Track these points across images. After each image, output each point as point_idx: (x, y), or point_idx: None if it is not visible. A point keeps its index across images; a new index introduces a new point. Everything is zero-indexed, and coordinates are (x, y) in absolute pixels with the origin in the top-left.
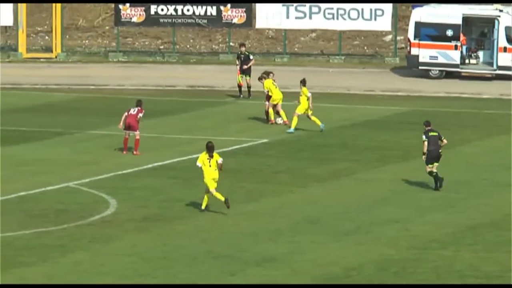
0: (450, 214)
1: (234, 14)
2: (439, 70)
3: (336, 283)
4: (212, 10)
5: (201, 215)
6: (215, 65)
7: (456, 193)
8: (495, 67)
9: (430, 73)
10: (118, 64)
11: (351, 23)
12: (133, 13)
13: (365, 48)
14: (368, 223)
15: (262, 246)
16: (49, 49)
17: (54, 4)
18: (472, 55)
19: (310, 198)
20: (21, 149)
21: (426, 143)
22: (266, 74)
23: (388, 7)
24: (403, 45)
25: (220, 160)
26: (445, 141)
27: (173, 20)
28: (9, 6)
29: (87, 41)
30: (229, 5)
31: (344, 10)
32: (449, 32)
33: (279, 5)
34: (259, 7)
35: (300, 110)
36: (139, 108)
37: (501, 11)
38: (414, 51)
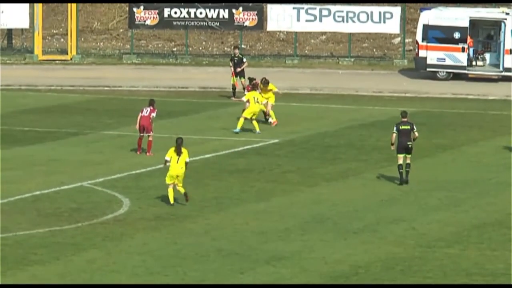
0: (456, 213)
1: (245, 17)
2: (447, 72)
3: (344, 281)
4: (224, 13)
5: (212, 214)
6: (226, 67)
7: (461, 193)
8: (501, 69)
9: (438, 75)
10: (131, 66)
11: (361, 25)
12: (147, 16)
13: (374, 50)
14: (376, 222)
15: (271, 245)
16: (64, 51)
17: (69, 7)
18: (479, 57)
19: (318, 197)
20: (36, 149)
21: (394, 135)
22: (265, 83)
23: (396, 10)
24: (411, 48)
25: (187, 159)
26: (416, 134)
27: (186, 22)
28: (25, 9)
29: (101, 44)
30: (241, 8)
31: (354, 13)
32: (457, 35)
33: (290, 8)
34: (270, 10)
35: (248, 114)
36: (152, 107)
37: (507, 14)
38: (422, 53)
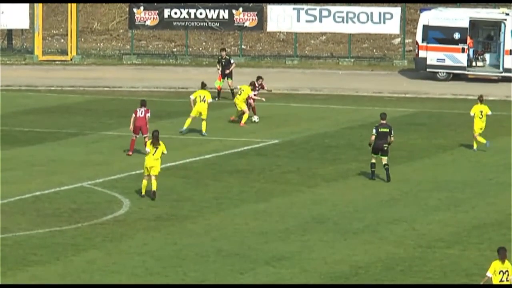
0: (456, 213)
1: (245, 18)
2: (446, 73)
3: (344, 281)
4: (224, 14)
5: (212, 215)
6: None
7: (461, 193)
8: (501, 69)
9: (438, 75)
10: (132, 66)
11: (361, 26)
12: (147, 17)
13: (374, 50)
14: (376, 222)
15: (271, 245)
16: (64, 52)
17: (69, 8)
18: (479, 57)
19: (319, 198)
20: (36, 149)
21: (373, 137)
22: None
23: (396, 11)
24: (411, 48)
25: (165, 152)
26: (392, 138)
27: (186, 23)
28: (26, 9)
29: (101, 44)
30: (241, 9)
31: (354, 13)
32: (456, 35)
33: (290, 8)
34: (270, 11)
35: (194, 113)
36: (146, 108)
37: (507, 14)
38: (422, 53)
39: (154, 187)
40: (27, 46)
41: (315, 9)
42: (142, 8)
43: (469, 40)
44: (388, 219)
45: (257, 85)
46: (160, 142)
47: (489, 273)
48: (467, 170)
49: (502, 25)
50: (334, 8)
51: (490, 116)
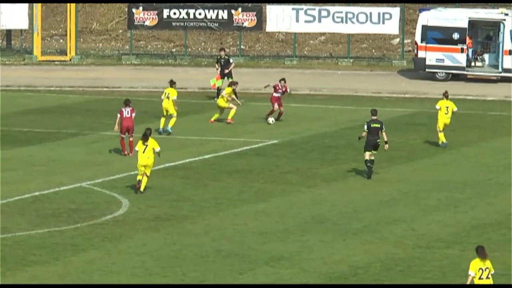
0: (455, 213)
1: (245, 18)
2: (446, 73)
3: (343, 282)
4: (223, 14)
5: (211, 215)
6: None
7: (461, 193)
8: (500, 69)
9: (437, 76)
10: (131, 66)
11: (360, 26)
12: (146, 17)
13: (373, 51)
14: (375, 223)
15: (271, 245)
16: (63, 52)
17: (68, 8)
18: (478, 58)
19: (318, 198)
20: (36, 149)
21: (365, 133)
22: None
23: (396, 11)
24: (410, 48)
25: (157, 149)
26: (384, 134)
27: (185, 23)
28: (25, 9)
29: (100, 44)
30: (240, 9)
31: (353, 13)
32: (455, 36)
33: (289, 8)
34: (270, 11)
35: (163, 111)
36: (131, 108)
37: (506, 14)
38: (421, 54)
39: (142, 187)
40: (26, 46)
41: (314, 9)
42: (141, 8)
43: (468, 40)
44: (388, 219)
45: (280, 86)
46: (150, 140)
47: (471, 272)
48: (467, 170)
49: (501, 25)
50: (333, 8)
51: (489, 116)
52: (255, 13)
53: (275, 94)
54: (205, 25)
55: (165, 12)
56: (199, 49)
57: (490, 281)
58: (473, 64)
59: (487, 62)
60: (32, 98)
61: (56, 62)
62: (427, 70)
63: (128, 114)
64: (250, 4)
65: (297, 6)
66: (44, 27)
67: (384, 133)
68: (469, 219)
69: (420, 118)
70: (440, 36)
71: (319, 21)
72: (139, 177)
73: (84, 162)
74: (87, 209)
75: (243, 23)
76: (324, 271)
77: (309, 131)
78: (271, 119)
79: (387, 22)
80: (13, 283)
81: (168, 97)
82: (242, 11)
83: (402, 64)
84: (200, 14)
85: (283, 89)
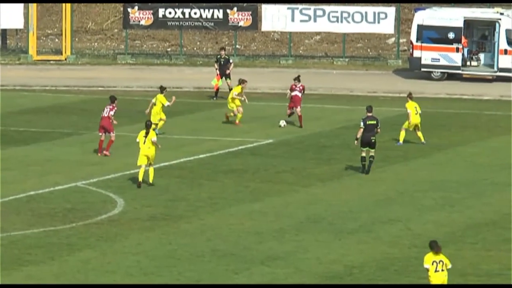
0: (451, 213)
1: (240, 17)
2: (441, 72)
3: (339, 281)
4: (218, 13)
5: (206, 214)
6: None
7: (457, 193)
8: (495, 69)
9: (432, 75)
10: (126, 66)
11: (355, 26)
12: (141, 16)
13: (368, 50)
14: (371, 222)
15: (266, 245)
16: (58, 52)
17: (64, 7)
18: (473, 57)
19: (313, 198)
20: (31, 149)
21: (361, 130)
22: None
23: (391, 10)
24: (405, 48)
25: (153, 138)
26: (379, 130)
27: (181, 23)
28: (20, 9)
29: (96, 44)
30: (235, 8)
31: (348, 13)
32: (451, 35)
33: (285, 8)
34: (265, 10)
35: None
36: (112, 105)
37: (501, 14)
38: (416, 53)
39: (151, 179)
40: (22, 46)
41: (310, 8)
42: (136, 7)
43: (463, 40)
44: (383, 219)
45: (297, 85)
46: (150, 131)
47: (426, 265)
48: (462, 170)
49: (497, 24)
50: (328, 7)
51: (485, 115)
52: (250, 12)
53: (297, 94)
54: (201, 24)
55: (161, 12)
56: (195, 48)
57: (445, 273)
58: (468, 63)
59: (482, 61)
60: (27, 97)
61: (51, 62)
62: (422, 69)
63: (106, 113)
64: (245, 4)
65: (292, 6)
66: (40, 27)
67: (379, 129)
68: (464, 219)
69: None
70: (436, 36)
71: (315, 20)
72: (140, 175)
73: (79, 161)
74: (83, 208)
75: (238, 23)
76: (319, 270)
77: (305, 130)
78: (283, 123)
79: (382, 21)
80: (8, 282)
81: (155, 104)
82: (237, 10)
83: (398, 64)
84: (195, 13)
85: (301, 87)
